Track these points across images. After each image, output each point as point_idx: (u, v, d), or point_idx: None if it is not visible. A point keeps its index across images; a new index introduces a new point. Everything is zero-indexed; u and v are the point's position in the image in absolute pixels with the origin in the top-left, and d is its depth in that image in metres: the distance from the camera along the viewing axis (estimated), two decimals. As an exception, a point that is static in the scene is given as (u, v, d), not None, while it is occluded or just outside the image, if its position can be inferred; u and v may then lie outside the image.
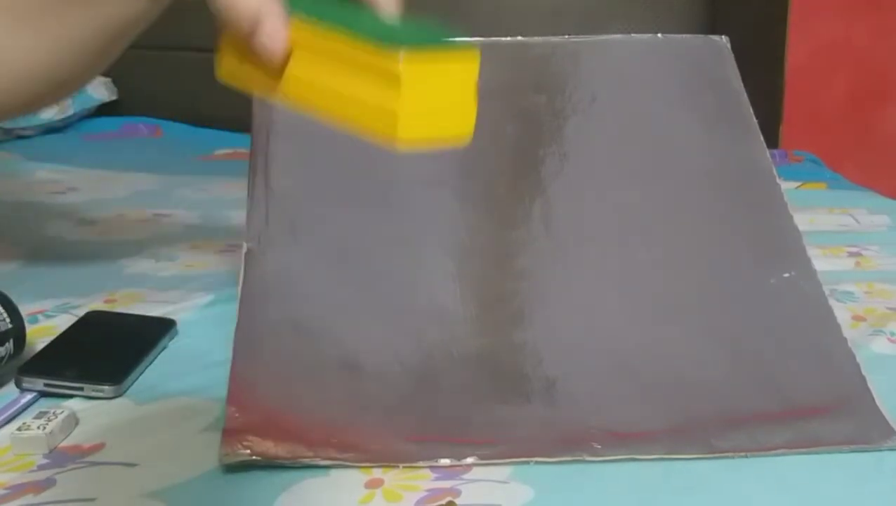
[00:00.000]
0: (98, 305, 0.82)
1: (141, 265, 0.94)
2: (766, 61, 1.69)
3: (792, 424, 0.61)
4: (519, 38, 0.90)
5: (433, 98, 0.43)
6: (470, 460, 0.57)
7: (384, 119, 0.42)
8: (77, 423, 0.62)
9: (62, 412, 0.61)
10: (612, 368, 0.66)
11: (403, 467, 0.57)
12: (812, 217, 1.12)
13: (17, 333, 0.68)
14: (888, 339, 0.76)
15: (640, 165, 0.81)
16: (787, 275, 0.73)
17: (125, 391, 0.67)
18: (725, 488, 0.55)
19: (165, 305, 0.82)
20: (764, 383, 0.65)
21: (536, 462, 0.58)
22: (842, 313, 0.74)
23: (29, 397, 0.65)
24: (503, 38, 0.90)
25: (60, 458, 0.58)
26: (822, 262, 0.87)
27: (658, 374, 0.66)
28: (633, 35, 0.91)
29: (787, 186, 0.91)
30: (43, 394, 0.66)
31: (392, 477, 0.56)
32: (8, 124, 1.64)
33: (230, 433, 0.58)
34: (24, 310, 0.72)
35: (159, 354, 0.73)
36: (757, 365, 0.67)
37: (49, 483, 0.55)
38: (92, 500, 0.54)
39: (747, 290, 0.73)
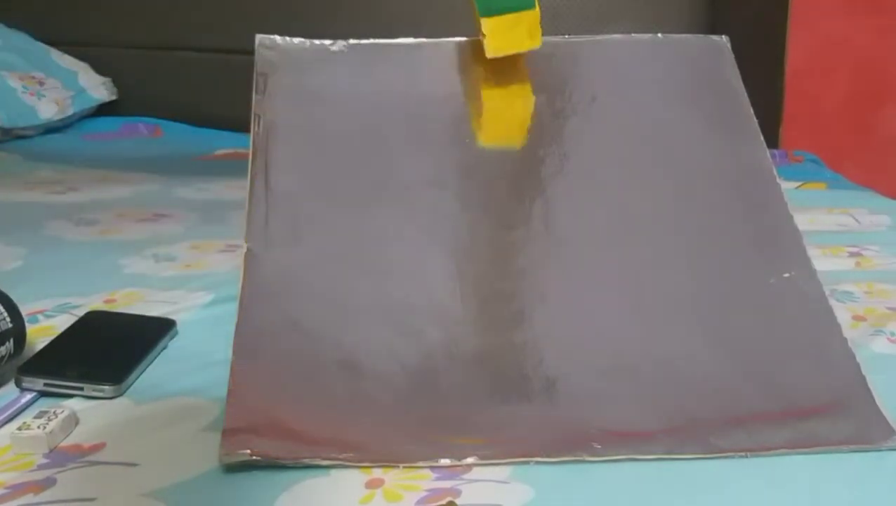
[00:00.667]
0: (98, 305, 0.82)
1: (141, 265, 0.94)
2: (766, 61, 1.69)
3: (792, 423, 0.61)
4: (519, 38, 0.90)
5: (507, 34, 0.83)
6: (470, 459, 0.57)
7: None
8: (77, 423, 0.62)
9: (62, 412, 0.61)
10: (612, 368, 0.66)
11: (404, 467, 0.57)
12: (812, 217, 1.13)
13: (18, 332, 0.68)
14: (888, 339, 0.76)
15: (639, 164, 0.81)
16: (787, 275, 0.73)
17: (125, 391, 0.67)
18: (725, 487, 0.55)
19: (165, 305, 0.82)
20: (764, 382, 0.65)
21: (536, 462, 0.57)
22: (842, 313, 0.74)
23: (29, 396, 0.65)
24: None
25: (60, 457, 0.58)
26: (822, 262, 0.87)
27: (658, 374, 0.66)
28: (632, 35, 0.91)
29: (787, 186, 0.91)
30: (43, 394, 0.66)
31: (392, 477, 0.56)
32: (8, 124, 1.64)
33: (230, 433, 0.58)
34: (25, 310, 0.72)
35: (159, 354, 0.73)
36: (757, 365, 0.67)
37: (49, 483, 0.55)
38: (92, 499, 0.53)
39: (747, 290, 0.73)
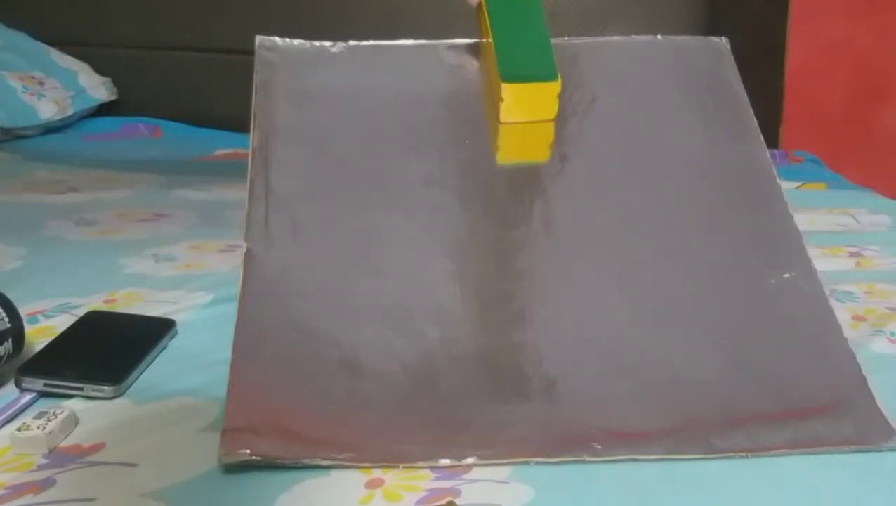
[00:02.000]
0: (98, 305, 0.82)
1: (141, 265, 0.94)
2: (766, 61, 1.69)
3: (792, 424, 0.61)
4: (518, 38, 0.90)
5: (526, 102, 0.81)
6: (470, 460, 0.57)
7: (497, 104, 0.81)
8: (77, 423, 0.62)
9: (62, 412, 0.61)
10: (612, 368, 0.66)
11: (404, 467, 0.57)
12: (812, 217, 1.13)
13: (16, 332, 0.68)
14: (888, 339, 0.76)
15: (639, 165, 0.81)
16: (787, 275, 0.73)
17: (125, 391, 0.67)
18: (725, 487, 0.55)
19: (165, 305, 0.82)
20: (764, 382, 0.65)
21: (537, 462, 0.57)
22: (842, 313, 0.74)
23: (29, 397, 0.65)
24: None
25: (60, 458, 0.58)
26: (822, 262, 0.87)
27: (658, 374, 0.66)
28: (632, 36, 0.91)
29: (787, 185, 0.91)
30: (43, 394, 0.66)
31: (392, 477, 0.56)
32: (8, 124, 1.64)
33: (229, 433, 0.58)
34: (24, 310, 0.72)
35: (159, 354, 0.73)
36: (757, 365, 0.67)
37: (49, 483, 0.55)
38: (92, 500, 0.54)
39: (748, 290, 0.73)
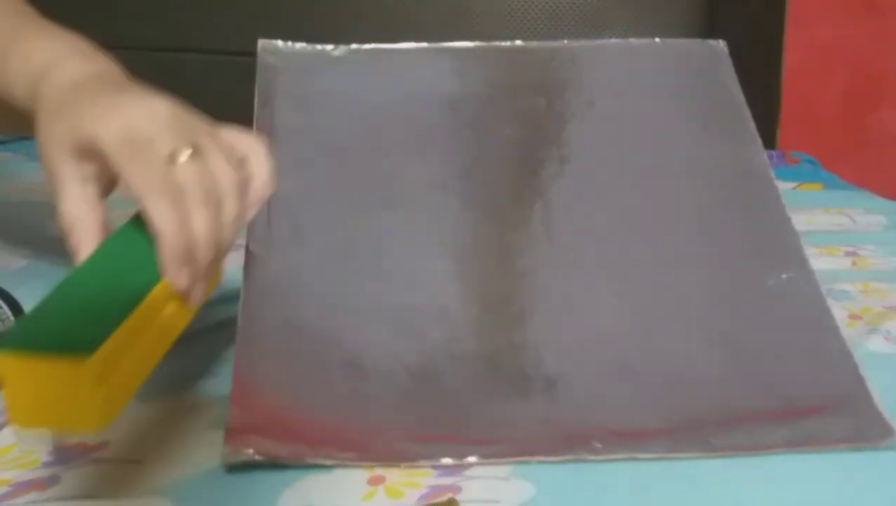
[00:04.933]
0: (101, 305, 0.82)
1: (142, 266, 0.94)
2: (764, 63, 1.70)
3: (790, 423, 0.62)
4: (518, 42, 0.91)
5: (38, 392, 0.45)
6: (471, 459, 0.58)
7: None
8: (81, 421, 0.63)
9: (67, 411, 0.61)
10: (612, 368, 0.67)
11: (405, 467, 0.57)
12: (808, 217, 1.13)
13: (22, 332, 0.69)
14: (884, 337, 0.76)
15: (638, 167, 0.82)
16: (785, 276, 0.74)
17: (129, 390, 0.67)
18: (724, 486, 0.56)
19: (166, 304, 0.83)
20: (762, 382, 0.66)
21: (538, 461, 0.58)
22: (838, 312, 0.75)
23: (34, 395, 0.65)
24: (502, 43, 0.91)
25: (65, 455, 0.59)
26: (819, 261, 0.87)
27: (657, 373, 0.67)
28: (631, 40, 0.92)
29: (783, 186, 0.92)
30: (47, 393, 0.66)
31: (394, 474, 0.56)
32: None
33: (233, 433, 0.58)
34: (28, 310, 0.72)
35: (161, 353, 0.73)
36: (755, 365, 0.67)
37: (53, 480, 0.56)
38: (96, 497, 0.54)
39: (746, 291, 0.73)
